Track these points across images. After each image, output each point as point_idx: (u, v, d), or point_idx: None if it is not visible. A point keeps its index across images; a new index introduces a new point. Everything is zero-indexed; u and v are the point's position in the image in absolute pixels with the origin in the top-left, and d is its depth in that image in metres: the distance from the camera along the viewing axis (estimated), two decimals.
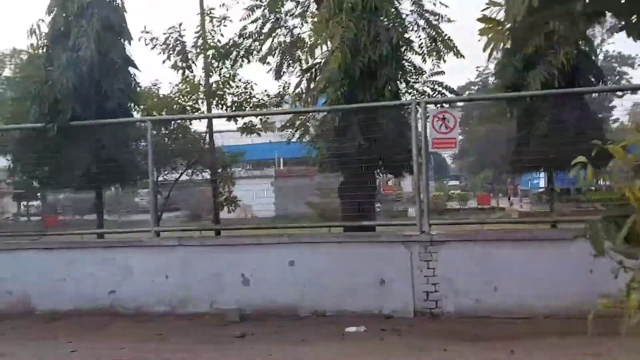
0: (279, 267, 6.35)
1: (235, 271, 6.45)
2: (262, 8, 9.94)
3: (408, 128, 6.69)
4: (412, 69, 7.28)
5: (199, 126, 11.61)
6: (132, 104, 8.13)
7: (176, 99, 10.37)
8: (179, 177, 10.43)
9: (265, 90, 10.37)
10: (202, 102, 10.75)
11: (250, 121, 11.09)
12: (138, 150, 8.18)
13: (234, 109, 10.50)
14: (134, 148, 8.02)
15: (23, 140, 7.34)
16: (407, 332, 5.44)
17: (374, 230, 7.23)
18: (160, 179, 9.53)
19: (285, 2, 9.92)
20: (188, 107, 10.26)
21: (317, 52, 7.28)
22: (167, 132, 9.97)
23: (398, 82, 6.92)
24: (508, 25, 3.06)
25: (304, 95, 7.31)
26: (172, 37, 9.86)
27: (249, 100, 10.40)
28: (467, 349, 4.77)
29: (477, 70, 41.48)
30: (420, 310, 5.99)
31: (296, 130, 8.40)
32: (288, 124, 8.59)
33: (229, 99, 10.54)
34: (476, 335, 5.14)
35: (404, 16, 7.48)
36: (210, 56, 9.73)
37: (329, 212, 21.66)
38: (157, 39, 9.81)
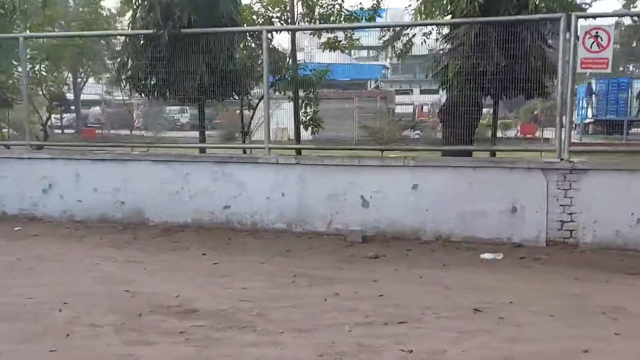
0: (401, 190, 6.16)
1: (355, 192, 6.29)
2: None
3: (548, 46, 6.12)
4: None
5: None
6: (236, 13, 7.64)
7: (261, 10, 9.79)
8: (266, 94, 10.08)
9: (360, 3, 9.66)
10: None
11: (336, 36, 10.51)
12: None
13: (321, 21, 9.89)
14: (238, 60, 7.63)
15: (129, 47, 7.02)
16: (550, 261, 5.27)
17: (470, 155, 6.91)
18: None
19: None
20: (276, 19, 9.70)
21: None
22: (255, 46, 9.51)
23: None
24: None
25: (423, 7, 6.68)
26: None
27: (338, 12, 9.72)
28: (633, 281, 4.58)
29: None
30: (553, 239, 5.79)
31: (403, 47, 7.80)
32: (389, 40, 7.95)
33: (317, 10, 9.90)
34: (632, 268, 4.93)
35: None
36: None
37: (385, 136, 21.17)
38: None
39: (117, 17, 14.99)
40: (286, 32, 9.87)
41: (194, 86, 6.75)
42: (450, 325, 3.60)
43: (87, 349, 3.27)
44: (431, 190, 6.07)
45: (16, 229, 6.67)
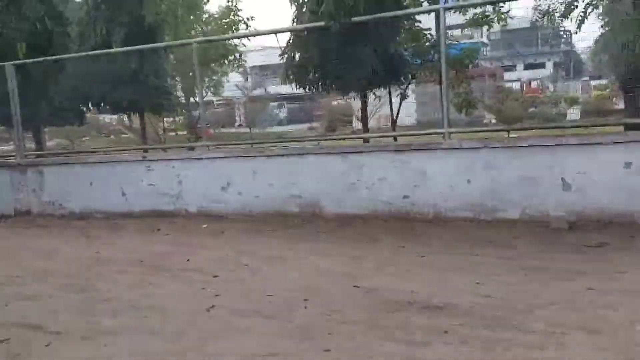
0: (611, 169, 5.51)
1: (554, 175, 5.74)
2: None
3: None
4: None
5: None
6: None
7: None
8: (411, 80, 9.73)
9: None
10: None
11: (483, 11, 9.86)
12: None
13: None
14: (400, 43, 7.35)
15: (296, 41, 7.03)
16: None
17: None
18: None
19: None
20: None
21: None
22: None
23: None
24: None
25: None
26: None
27: None
28: None
29: None
30: None
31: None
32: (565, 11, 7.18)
33: None
34: None
35: None
36: None
37: (512, 116, 20.14)
38: None
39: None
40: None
41: (363, 75, 6.57)
42: None
43: (361, 348, 3.16)
44: None
45: (204, 226, 6.99)
